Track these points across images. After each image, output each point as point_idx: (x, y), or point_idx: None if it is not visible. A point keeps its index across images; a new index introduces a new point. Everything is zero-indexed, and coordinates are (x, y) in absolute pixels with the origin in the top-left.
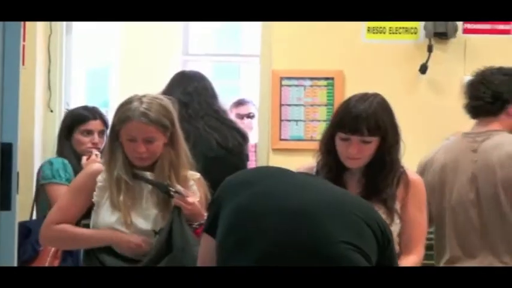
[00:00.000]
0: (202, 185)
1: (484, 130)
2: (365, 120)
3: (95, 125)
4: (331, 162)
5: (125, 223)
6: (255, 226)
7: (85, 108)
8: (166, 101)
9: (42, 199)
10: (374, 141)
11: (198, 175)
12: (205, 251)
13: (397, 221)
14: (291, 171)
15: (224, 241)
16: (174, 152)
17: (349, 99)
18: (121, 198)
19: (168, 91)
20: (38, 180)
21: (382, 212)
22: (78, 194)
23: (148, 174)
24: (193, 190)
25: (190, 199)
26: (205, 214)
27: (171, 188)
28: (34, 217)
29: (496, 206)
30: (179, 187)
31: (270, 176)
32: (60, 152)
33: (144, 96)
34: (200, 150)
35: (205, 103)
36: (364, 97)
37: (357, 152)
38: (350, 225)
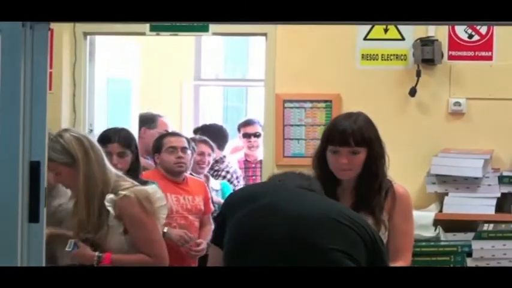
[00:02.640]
0: (124, 205)
1: None
2: (351, 133)
3: (111, 147)
4: (324, 176)
5: None
6: (254, 238)
7: (108, 130)
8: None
9: None
10: (362, 152)
11: (123, 193)
12: (213, 260)
13: (383, 230)
14: (289, 186)
15: (228, 251)
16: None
17: (336, 118)
18: None
19: None
20: None
21: (370, 223)
22: None
23: None
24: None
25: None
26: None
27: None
28: None
29: None
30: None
31: (269, 191)
32: None
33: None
34: None
35: None
36: (349, 115)
37: (347, 162)
38: (343, 235)
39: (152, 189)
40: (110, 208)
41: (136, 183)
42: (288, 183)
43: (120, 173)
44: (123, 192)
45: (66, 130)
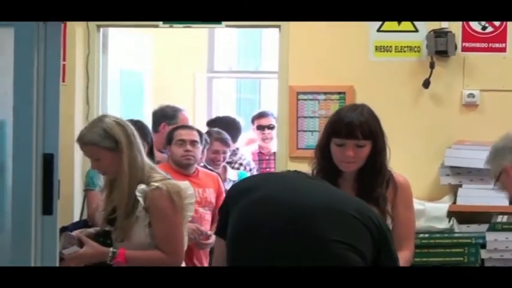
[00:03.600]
0: (155, 196)
1: None
2: (359, 126)
3: None
4: (327, 168)
5: None
6: (254, 229)
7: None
8: (109, 121)
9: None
10: (367, 145)
11: (155, 185)
12: (218, 252)
13: (388, 221)
14: (290, 176)
15: (229, 242)
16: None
17: (341, 109)
18: None
19: None
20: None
21: None
22: None
23: None
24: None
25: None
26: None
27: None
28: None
29: None
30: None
31: (271, 181)
32: None
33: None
34: None
35: None
36: (354, 107)
37: (353, 155)
38: (345, 225)
39: (185, 185)
40: (140, 198)
41: (168, 176)
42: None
43: (153, 165)
44: (156, 184)
45: (105, 116)
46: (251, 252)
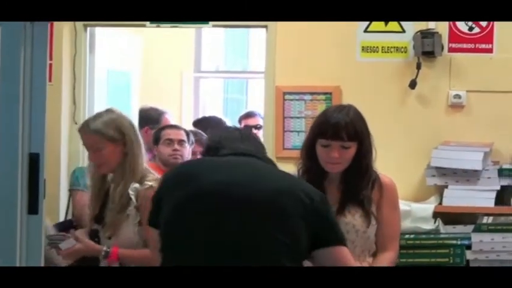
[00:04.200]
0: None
1: None
2: (344, 127)
3: None
4: (312, 168)
5: None
6: (196, 225)
7: None
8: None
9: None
10: (352, 147)
11: (148, 184)
12: (153, 243)
13: (373, 222)
14: (230, 161)
15: (167, 234)
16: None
17: (327, 110)
18: None
19: None
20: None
21: (359, 215)
22: None
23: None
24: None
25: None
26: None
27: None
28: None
29: None
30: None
31: (209, 168)
32: None
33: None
34: None
35: None
36: (340, 108)
37: (338, 157)
38: (274, 215)
39: None
40: (132, 196)
41: (160, 176)
42: (228, 146)
43: (146, 165)
44: (150, 183)
45: (112, 108)
46: (193, 248)
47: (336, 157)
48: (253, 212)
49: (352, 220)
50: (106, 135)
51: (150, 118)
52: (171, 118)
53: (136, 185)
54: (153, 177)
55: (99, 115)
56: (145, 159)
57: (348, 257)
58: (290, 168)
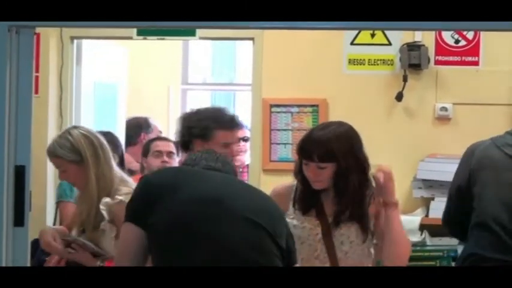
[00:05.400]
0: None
1: None
2: (316, 148)
3: None
4: (303, 183)
5: None
6: (199, 231)
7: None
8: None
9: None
10: (329, 167)
11: (119, 198)
12: (131, 239)
13: (370, 237)
14: (210, 173)
15: (163, 237)
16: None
17: (313, 128)
18: None
19: None
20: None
21: (355, 228)
22: None
23: None
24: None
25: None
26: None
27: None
28: None
29: None
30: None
31: (192, 179)
32: None
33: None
34: None
35: None
36: (325, 126)
37: (313, 176)
38: (268, 222)
39: None
40: (103, 212)
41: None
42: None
43: (125, 177)
44: (120, 198)
45: (75, 127)
46: (197, 257)
47: (311, 176)
48: (253, 219)
49: (347, 232)
50: (65, 159)
51: (140, 124)
52: (156, 123)
53: (108, 200)
54: (126, 191)
55: (60, 137)
56: (116, 171)
57: None
58: (277, 180)
